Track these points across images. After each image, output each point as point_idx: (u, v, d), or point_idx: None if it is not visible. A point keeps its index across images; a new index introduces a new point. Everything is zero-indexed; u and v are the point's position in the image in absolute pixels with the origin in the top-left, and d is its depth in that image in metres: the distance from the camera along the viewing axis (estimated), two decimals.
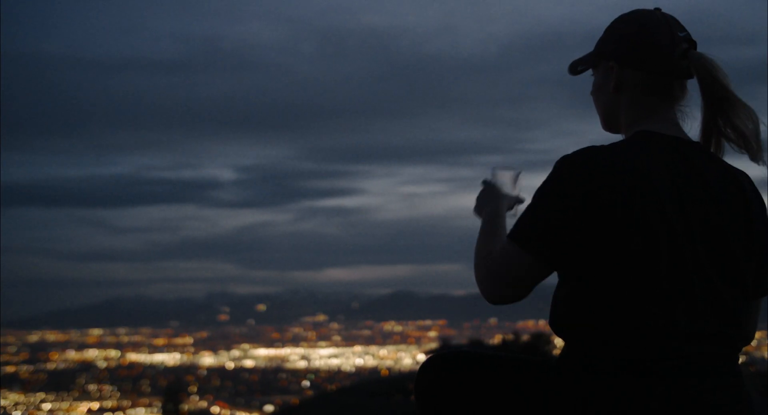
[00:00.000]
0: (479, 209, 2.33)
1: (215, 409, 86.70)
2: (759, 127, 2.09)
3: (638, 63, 2.11)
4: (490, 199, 2.33)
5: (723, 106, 2.08)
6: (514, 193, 2.40)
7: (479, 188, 2.39)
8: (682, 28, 2.13)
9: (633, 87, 2.13)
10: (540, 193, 1.98)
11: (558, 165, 1.98)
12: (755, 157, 2.09)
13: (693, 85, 2.14)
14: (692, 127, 2.14)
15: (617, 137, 2.18)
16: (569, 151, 2.01)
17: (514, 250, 1.97)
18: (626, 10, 2.21)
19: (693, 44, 2.13)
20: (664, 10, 2.16)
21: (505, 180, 2.41)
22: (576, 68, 2.25)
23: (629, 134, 2.12)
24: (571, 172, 1.95)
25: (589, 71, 2.24)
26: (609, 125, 2.21)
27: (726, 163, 2.10)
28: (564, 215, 1.93)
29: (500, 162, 2.68)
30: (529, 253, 1.95)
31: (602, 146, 2.00)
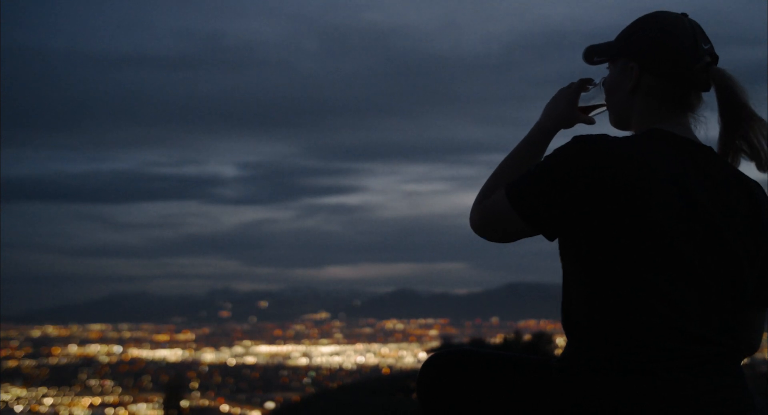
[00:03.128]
0: (546, 109, 2.32)
1: (224, 407, 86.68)
2: None
3: (659, 69, 2.11)
4: (561, 108, 2.31)
5: (741, 124, 2.09)
6: (592, 112, 2.33)
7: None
8: (707, 40, 2.13)
9: (650, 92, 2.13)
10: (549, 161, 2.00)
11: (574, 142, 1.99)
12: (762, 167, 2.10)
13: (707, 94, 2.15)
14: (706, 133, 2.15)
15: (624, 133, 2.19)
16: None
17: (505, 203, 2.02)
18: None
19: (715, 58, 2.14)
20: (686, 13, 2.16)
21: (595, 86, 2.32)
22: (592, 57, 2.24)
23: (642, 131, 2.12)
24: (584, 154, 1.96)
25: (604, 63, 2.23)
26: (619, 123, 2.22)
27: (738, 170, 2.11)
28: (562, 192, 1.94)
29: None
30: (517, 212, 2.00)
31: (616, 137, 2.01)
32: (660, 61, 2.11)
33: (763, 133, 2.09)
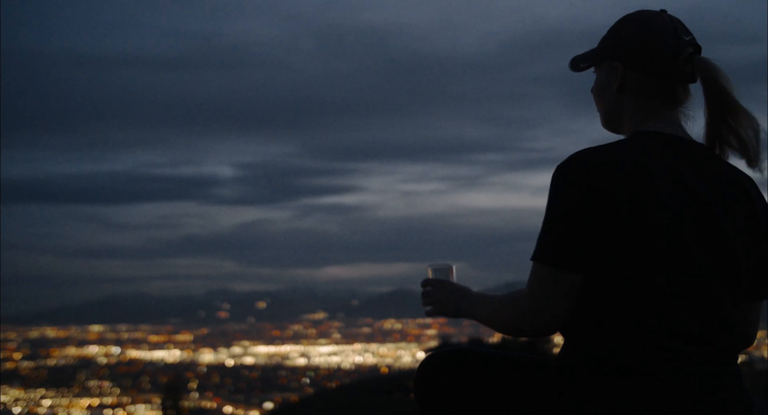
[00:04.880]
0: (448, 308, 2.29)
1: (228, 409, 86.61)
2: (759, 135, 2.10)
3: (643, 65, 2.11)
4: (449, 293, 2.30)
5: (725, 113, 2.08)
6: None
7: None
8: (688, 32, 2.14)
9: (637, 88, 2.13)
10: (547, 207, 1.98)
11: (554, 172, 1.99)
12: (752, 164, 2.10)
13: (695, 88, 2.16)
14: (694, 128, 2.15)
15: (617, 136, 2.18)
16: (569, 150, 2.03)
17: (537, 271, 1.97)
18: (626, 8, 2.21)
19: (698, 49, 2.15)
20: (665, 9, 2.18)
21: (441, 276, 2.36)
22: (578, 65, 2.25)
23: (629, 134, 2.13)
24: (568, 176, 1.95)
25: (590, 69, 2.24)
26: (610, 125, 2.21)
27: (730, 164, 2.11)
28: (571, 219, 1.93)
29: (432, 260, 2.74)
30: (551, 267, 1.94)
31: (599, 146, 2.01)
32: (643, 56, 2.11)
33: (751, 126, 2.09)
